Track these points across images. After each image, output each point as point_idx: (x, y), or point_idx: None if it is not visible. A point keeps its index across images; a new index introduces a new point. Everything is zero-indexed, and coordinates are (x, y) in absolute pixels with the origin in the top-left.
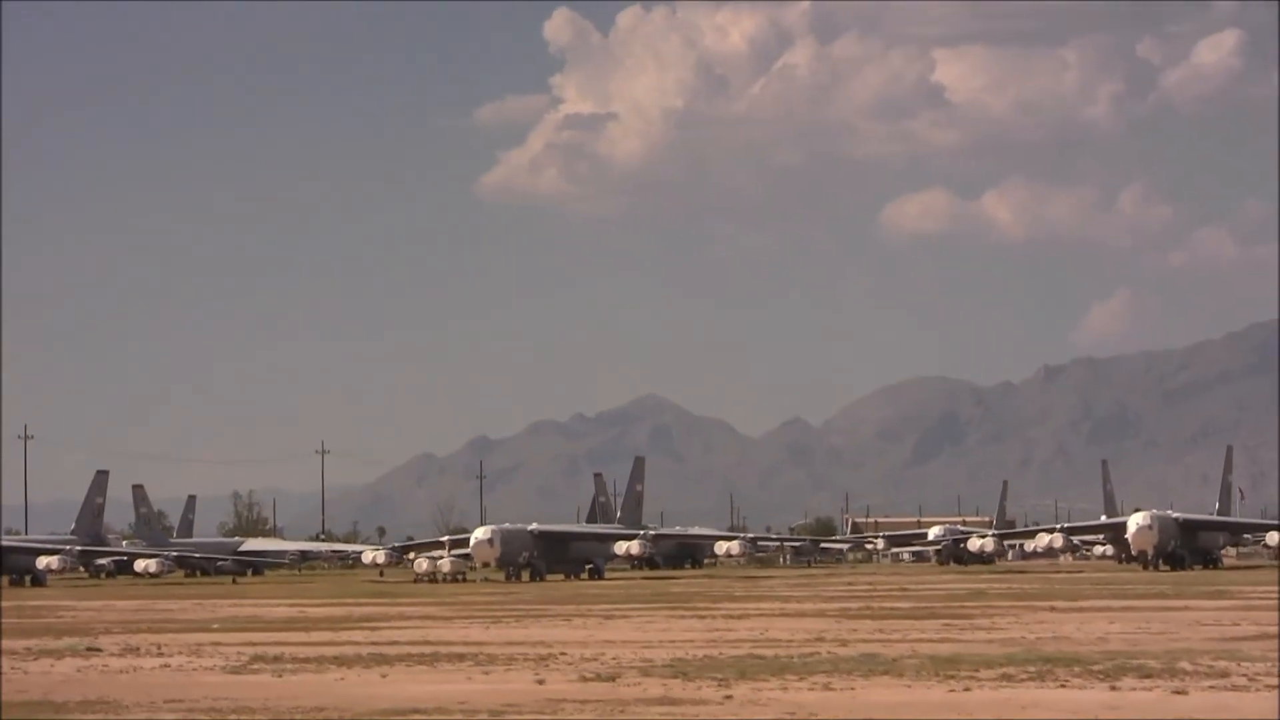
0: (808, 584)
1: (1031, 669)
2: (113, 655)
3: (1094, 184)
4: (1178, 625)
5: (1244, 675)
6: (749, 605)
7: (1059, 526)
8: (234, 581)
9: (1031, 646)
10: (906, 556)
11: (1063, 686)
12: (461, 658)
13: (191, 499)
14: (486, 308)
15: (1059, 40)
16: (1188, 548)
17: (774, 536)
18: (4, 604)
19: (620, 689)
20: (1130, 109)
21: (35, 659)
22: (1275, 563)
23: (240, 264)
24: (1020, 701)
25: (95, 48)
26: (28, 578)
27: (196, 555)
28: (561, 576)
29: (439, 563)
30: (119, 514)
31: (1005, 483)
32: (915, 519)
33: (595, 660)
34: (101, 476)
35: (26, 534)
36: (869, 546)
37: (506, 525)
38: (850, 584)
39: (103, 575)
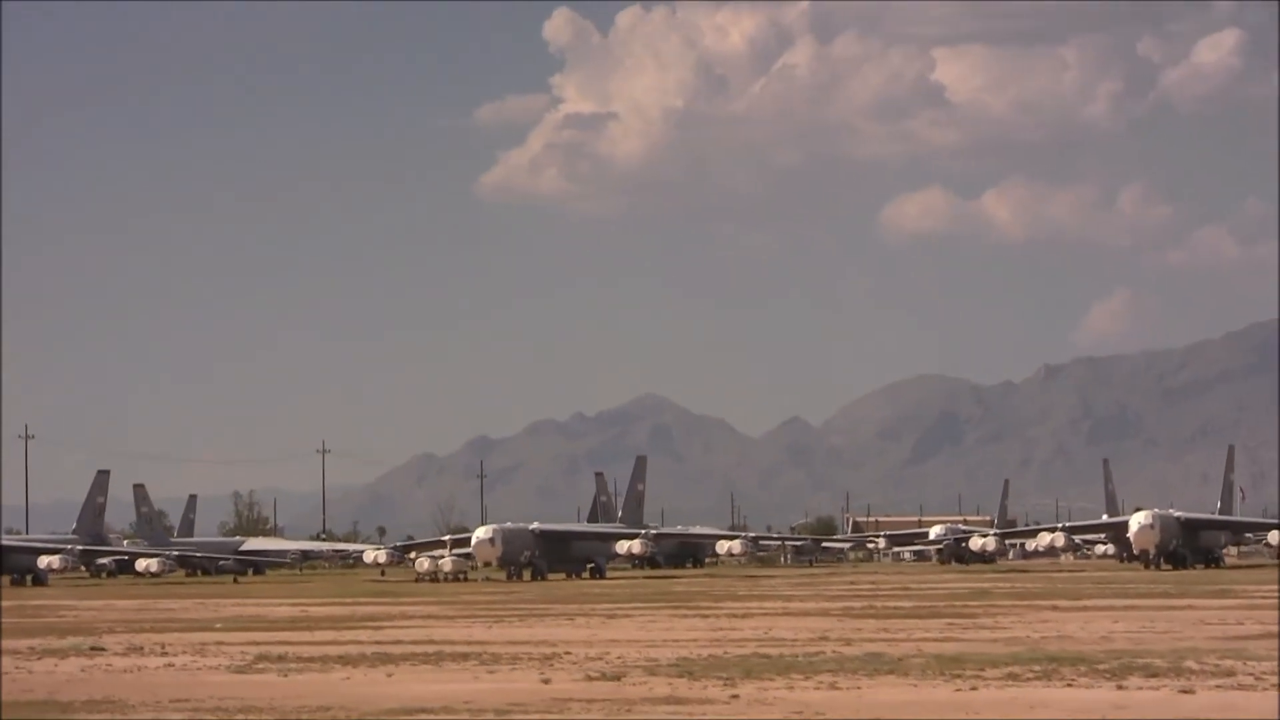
0: (810, 583)
1: (1037, 668)
2: (117, 655)
3: (1094, 183)
4: (1181, 624)
5: (1250, 674)
6: (752, 604)
7: (1061, 526)
8: (235, 581)
9: (1036, 646)
10: (908, 556)
11: (1069, 686)
12: (466, 657)
13: (192, 498)
14: (486, 308)
15: (1058, 40)
16: (1189, 547)
17: (775, 536)
18: (7, 604)
19: (626, 688)
20: (1130, 108)
21: (39, 658)
22: (1277, 562)
23: (240, 264)
24: (1027, 701)
25: (95, 48)
26: (29, 577)
27: (198, 555)
28: (563, 576)
29: (440, 562)
30: (120, 514)
31: (1006, 482)
32: (916, 518)
33: (600, 660)
34: (103, 476)
35: (27, 534)
36: (870, 546)
37: (508, 524)
38: (852, 583)
39: (104, 575)
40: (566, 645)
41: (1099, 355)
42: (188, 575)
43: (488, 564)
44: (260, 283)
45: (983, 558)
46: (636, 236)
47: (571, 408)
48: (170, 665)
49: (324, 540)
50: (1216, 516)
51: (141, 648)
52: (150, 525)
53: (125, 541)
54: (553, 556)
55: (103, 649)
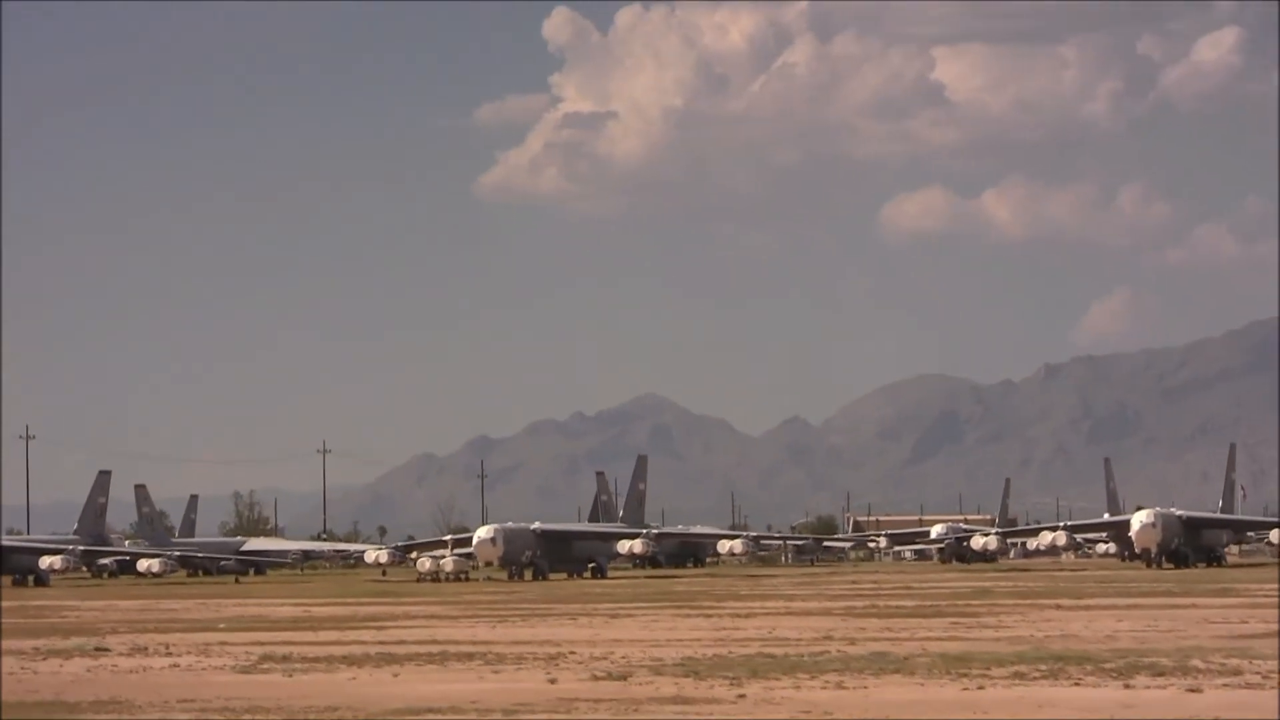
0: (811, 582)
1: (1043, 667)
2: (121, 655)
3: (1093, 182)
4: (1185, 623)
5: (1257, 673)
6: (754, 604)
7: (1062, 524)
8: (236, 581)
9: (1041, 645)
10: (909, 555)
11: (1076, 685)
12: (471, 657)
13: (194, 499)
14: (486, 308)
15: (1058, 38)
16: (1191, 545)
17: (777, 535)
18: (10, 604)
19: (632, 688)
20: (1130, 107)
21: (44, 659)
22: (1278, 560)
23: (240, 264)
24: (1035, 700)
25: (95, 48)
26: (31, 578)
27: (199, 555)
28: (564, 575)
29: (442, 562)
30: (121, 514)
31: (1008, 481)
32: (917, 517)
33: (605, 659)
34: (104, 476)
35: (28, 534)
36: (871, 545)
37: (509, 524)
38: (854, 582)
39: (105, 575)
40: (571, 645)
41: (1099, 354)
42: (189, 575)
43: (489, 564)
44: (260, 283)
45: (984, 557)
46: (636, 236)
47: (571, 407)
48: (175, 666)
49: (325, 540)
50: (1218, 515)
51: (146, 648)
52: (151, 525)
53: (127, 542)
54: (554, 556)
55: (107, 649)
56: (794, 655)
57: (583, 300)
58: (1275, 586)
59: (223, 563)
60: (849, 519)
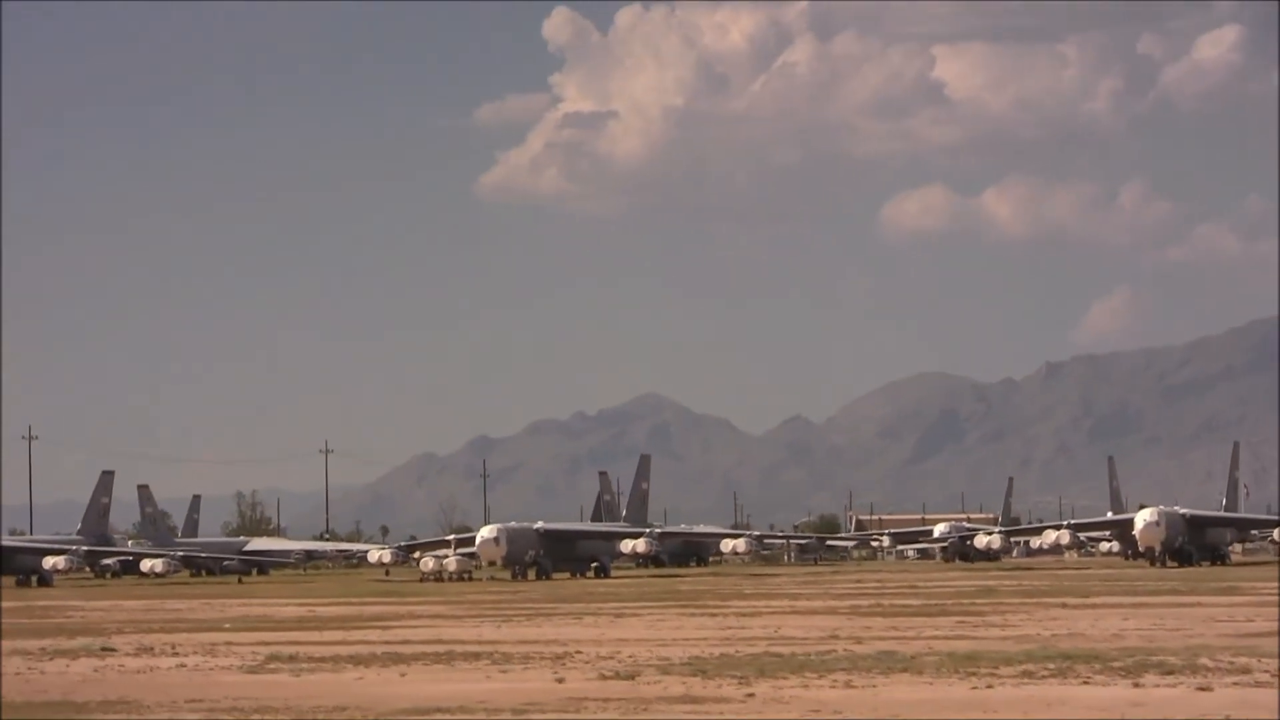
0: (815, 581)
1: (1052, 666)
2: (128, 655)
3: (1094, 181)
4: (1192, 621)
5: (1266, 672)
6: (759, 603)
7: (1066, 523)
8: (240, 581)
9: (1048, 643)
10: (911, 554)
11: (1085, 684)
12: (477, 656)
13: (196, 499)
14: (486, 308)
15: (1058, 37)
16: (1195, 544)
17: (780, 534)
18: (14, 604)
19: (641, 687)
20: (1130, 105)
21: (51, 659)
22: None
23: (240, 264)
24: (1045, 699)
25: (95, 48)
26: (34, 578)
27: (202, 555)
28: (567, 575)
29: (445, 561)
30: (123, 514)
31: (1011, 479)
32: (919, 516)
33: (612, 659)
34: (107, 477)
35: (31, 534)
36: (874, 544)
37: (512, 524)
38: (858, 581)
39: (108, 575)
40: (577, 644)
41: (1100, 353)
42: (192, 575)
43: (492, 563)
44: (260, 283)
45: (987, 555)
46: (636, 236)
47: (572, 407)
48: (182, 666)
49: (328, 540)
50: (1222, 513)
51: (152, 648)
52: (155, 526)
53: (130, 542)
54: (557, 556)
55: (113, 649)
56: (801, 654)
57: (583, 300)
58: (1277, 585)
59: (226, 563)
60: (851, 518)
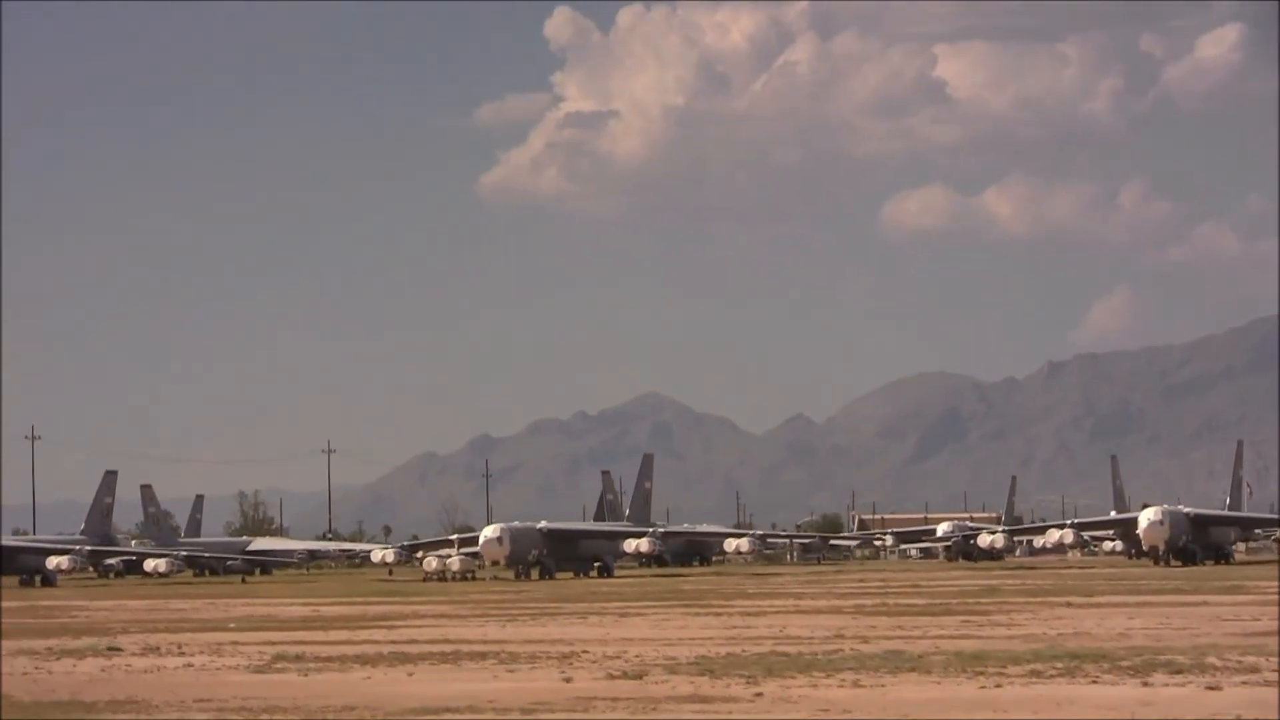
0: (819, 581)
1: (1059, 665)
2: (134, 655)
3: (1095, 180)
4: (1198, 620)
5: (1274, 671)
6: (763, 603)
7: (1070, 522)
8: (243, 581)
9: (1054, 643)
10: (914, 553)
11: (1094, 683)
12: (484, 656)
13: (199, 499)
14: (486, 308)
15: (1059, 36)
16: (1199, 543)
17: (784, 534)
18: (19, 604)
19: (649, 687)
20: (1131, 105)
21: (57, 659)
22: None
23: (240, 264)
24: (1054, 698)
25: (95, 48)
26: (38, 578)
27: (205, 555)
28: (570, 574)
29: (448, 561)
30: (125, 514)
31: (1014, 478)
32: (922, 515)
33: (619, 658)
34: (110, 477)
35: (34, 534)
36: (877, 543)
37: (515, 523)
38: (862, 581)
39: (111, 575)
40: (583, 644)
41: (1101, 352)
42: (195, 575)
43: (495, 563)
44: (260, 283)
45: (991, 555)
46: (636, 236)
47: (573, 406)
48: (189, 665)
49: (330, 540)
50: (1226, 512)
51: (158, 648)
52: (158, 526)
53: (133, 542)
54: (560, 555)
55: (119, 649)
56: (808, 654)
57: (583, 300)
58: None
59: (229, 563)
60: (854, 517)
